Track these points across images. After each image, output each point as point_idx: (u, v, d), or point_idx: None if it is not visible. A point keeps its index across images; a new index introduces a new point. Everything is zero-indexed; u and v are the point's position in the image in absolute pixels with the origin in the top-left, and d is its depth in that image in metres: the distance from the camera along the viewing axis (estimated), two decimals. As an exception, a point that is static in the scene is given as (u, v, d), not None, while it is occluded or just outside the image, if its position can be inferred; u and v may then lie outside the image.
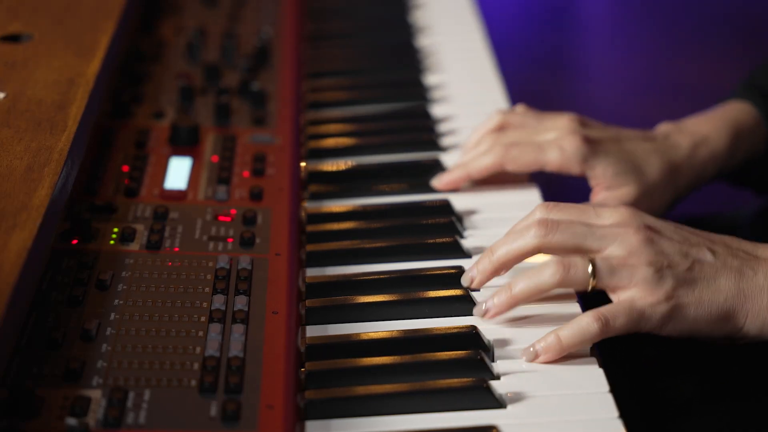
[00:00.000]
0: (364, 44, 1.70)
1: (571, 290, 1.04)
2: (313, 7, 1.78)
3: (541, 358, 0.97)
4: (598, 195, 1.26)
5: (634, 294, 0.97)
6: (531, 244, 1.02)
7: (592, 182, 1.26)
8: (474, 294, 1.07)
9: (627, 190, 1.24)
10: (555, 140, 1.25)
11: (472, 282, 1.06)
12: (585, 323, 0.96)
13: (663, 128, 1.32)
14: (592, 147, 1.24)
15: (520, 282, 1.01)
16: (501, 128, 1.30)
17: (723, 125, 1.32)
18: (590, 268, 0.98)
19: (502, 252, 1.04)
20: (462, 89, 1.54)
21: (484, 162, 1.26)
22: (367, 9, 1.83)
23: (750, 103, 1.35)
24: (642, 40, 2.43)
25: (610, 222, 1.02)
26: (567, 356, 0.98)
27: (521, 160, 1.25)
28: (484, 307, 1.03)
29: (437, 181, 1.27)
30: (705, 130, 1.31)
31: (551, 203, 1.04)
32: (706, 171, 1.30)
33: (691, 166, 1.28)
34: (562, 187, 1.31)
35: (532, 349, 0.98)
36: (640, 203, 1.24)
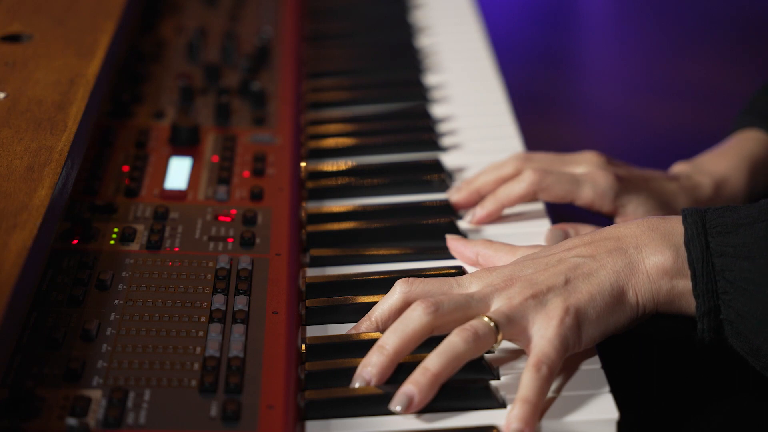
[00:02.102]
0: (364, 44, 1.70)
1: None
2: (313, 7, 1.78)
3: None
4: None
5: (539, 329, 0.96)
6: (424, 323, 0.96)
7: (620, 220, 1.23)
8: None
9: None
10: (587, 174, 1.22)
11: (370, 381, 0.96)
12: (530, 378, 0.93)
13: (681, 168, 1.31)
14: (623, 184, 1.22)
15: (434, 360, 0.94)
16: (529, 159, 1.26)
17: (740, 162, 1.31)
18: (491, 323, 0.95)
19: (396, 342, 0.96)
20: (462, 89, 1.54)
21: (516, 190, 1.21)
22: (367, 9, 1.83)
23: (760, 130, 1.34)
24: (642, 39, 2.43)
25: (475, 287, 1.01)
26: (567, 357, 0.98)
27: (554, 191, 1.21)
28: (405, 400, 0.93)
29: (471, 218, 1.22)
30: (723, 168, 1.30)
31: (409, 279, 1.02)
32: None
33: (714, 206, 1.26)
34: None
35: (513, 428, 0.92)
36: None
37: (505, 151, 1.32)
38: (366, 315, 1.03)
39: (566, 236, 1.18)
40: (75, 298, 1.01)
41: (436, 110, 1.47)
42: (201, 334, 0.99)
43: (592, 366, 0.99)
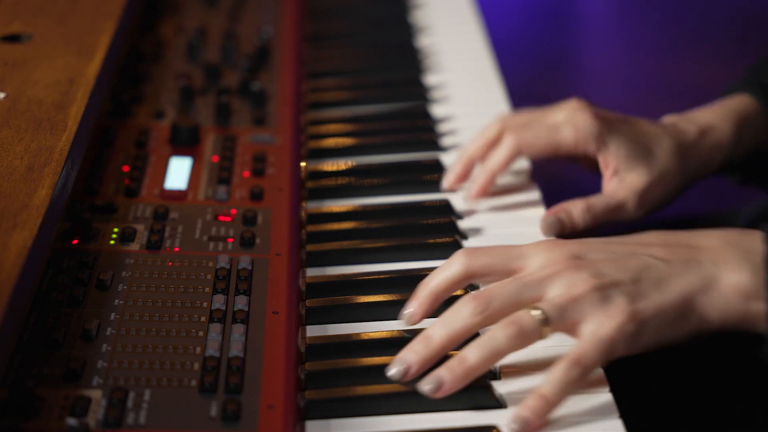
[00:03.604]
0: (364, 44, 1.70)
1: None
2: (313, 7, 1.78)
3: (531, 427, 0.91)
4: (608, 182, 1.22)
5: (593, 325, 0.92)
6: (472, 323, 0.95)
7: (603, 164, 1.23)
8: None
9: (637, 176, 1.21)
10: (566, 118, 1.23)
11: (408, 371, 0.95)
12: (561, 372, 0.91)
13: (668, 118, 1.32)
14: (605, 124, 1.22)
15: (473, 352, 0.93)
16: (508, 119, 1.28)
17: (727, 115, 1.31)
18: (540, 316, 0.93)
19: (442, 337, 0.95)
20: (462, 89, 1.54)
21: (501, 154, 1.24)
22: (367, 9, 1.83)
23: (751, 95, 1.35)
24: (642, 39, 2.43)
25: (537, 264, 0.97)
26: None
27: (536, 144, 1.22)
28: (436, 383, 0.93)
29: (469, 193, 1.25)
30: (710, 118, 1.30)
31: (470, 249, 0.99)
32: (713, 158, 1.28)
33: (698, 151, 1.26)
34: (561, 187, 1.31)
35: (521, 416, 0.91)
36: (651, 194, 1.22)
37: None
38: (423, 282, 1.00)
39: (560, 223, 1.18)
40: (75, 298, 1.01)
41: (436, 110, 1.47)
42: (201, 334, 0.98)
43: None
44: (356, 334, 1.03)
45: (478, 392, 0.94)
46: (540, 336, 0.93)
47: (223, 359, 0.95)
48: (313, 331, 1.04)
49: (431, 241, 1.17)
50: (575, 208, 1.19)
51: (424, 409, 0.94)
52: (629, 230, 1.29)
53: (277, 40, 1.57)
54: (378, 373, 0.97)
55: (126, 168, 1.23)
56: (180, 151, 1.27)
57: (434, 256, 1.15)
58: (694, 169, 1.26)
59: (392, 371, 0.95)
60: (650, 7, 2.61)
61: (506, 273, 0.99)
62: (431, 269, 1.11)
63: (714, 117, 1.30)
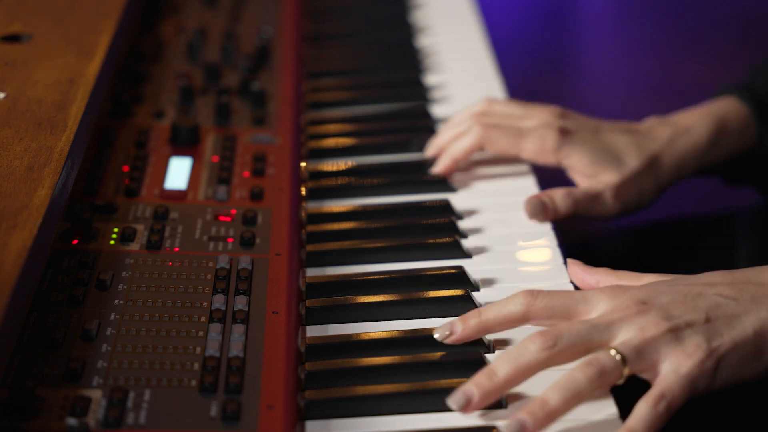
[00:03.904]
0: (364, 44, 1.70)
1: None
2: (313, 7, 1.78)
3: None
4: (582, 182, 1.28)
5: (672, 364, 0.92)
6: (540, 359, 0.92)
7: (571, 173, 1.28)
8: (474, 294, 1.07)
9: (608, 176, 1.26)
10: (533, 129, 1.28)
11: (469, 404, 0.93)
12: (645, 411, 0.90)
13: (648, 122, 1.34)
14: (566, 137, 1.27)
15: (554, 395, 0.90)
16: (485, 114, 1.33)
17: (706, 118, 1.33)
18: (618, 356, 0.91)
19: (508, 372, 0.92)
20: (462, 89, 1.54)
21: (464, 144, 1.30)
22: (367, 9, 1.83)
23: (739, 98, 1.35)
24: (642, 39, 2.43)
25: (602, 309, 0.96)
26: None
27: (499, 144, 1.29)
28: (517, 427, 0.89)
29: (431, 172, 1.31)
30: (688, 121, 1.33)
31: (534, 291, 0.97)
32: (687, 161, 1.31)
33: (671, 155, 1.30)
34: (560, 184, 1.31)
35: None
36: (626, 191, 1.26)
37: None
38: (476, 309, 0.99)
39: (543, 205, 1.21)
40: (75, 298, 1.01)
41: (436, 110, 1.47)
42: (201, 334, 0.98)
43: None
44: (356, 334, 1.02)
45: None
46: (620, 376, 0.91)
47: (223, 359, 0.95)
48: (313, 331, 1.04)
49: (431, 241, 1.17)
50: (557, 194, 1.23)
51: (424, 409, 0.94)
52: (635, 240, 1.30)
53: (277, 40, 1.57)
54: (378, 373, 0.97)
55: (126, 168, 1.23)
56: (180, 151, 1.27)
57: (434, 256, 1.15)
58: (669, 170, 1.30)
59: (453, 402, 0.93)
60: (650, 7, 2.60)
61: (568, 317, 0.97)
62: (431, 269, 1.11)
63: (693, 119, 1.33)
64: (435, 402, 0.94)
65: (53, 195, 1.01)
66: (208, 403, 0.91)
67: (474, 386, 0.93)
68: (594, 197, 1.25)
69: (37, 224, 0.96)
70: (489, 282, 1.11)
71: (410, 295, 1.08)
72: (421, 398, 0.94)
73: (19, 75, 1.20)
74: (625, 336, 0.93)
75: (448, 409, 0.93)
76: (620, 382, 0.92)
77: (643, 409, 0.90)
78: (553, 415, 0.90)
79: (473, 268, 1.12)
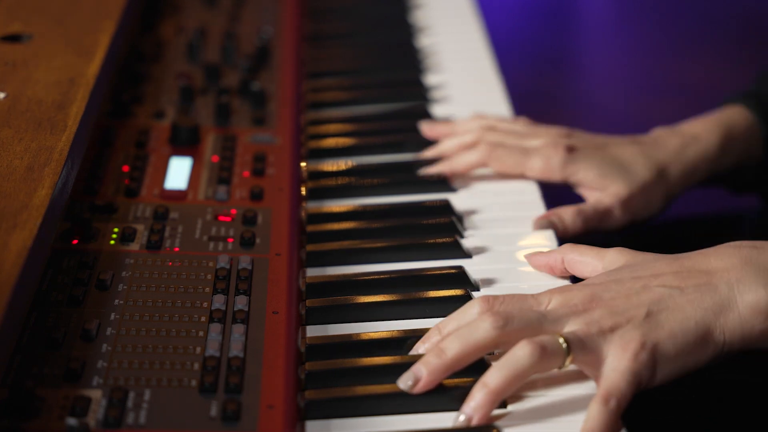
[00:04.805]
0: (364, 44, 1.70)
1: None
2: (313, 7, 1.78)
3: None
4: (591, 195, 1.28)
5: (612, 362, 0.92)
6: (490, 337, 0.93)
7: (579, 189, 1.29)
8: (474, 294, 1.07)
9: (617, 188, 1.26)
10: (538, 148, 1.28)
11: (417, 383, 0.93)
12: (597, 411, 0.90)
13: (655, 132, 1.34)
14: (572, 154, 1.27)
15: (494, 375, 0.91)
16: (491, 128, 1.33)
17: (713, 126, 1.33)
18: (564, 344, 0.92)
19: (457, 349, 0.93)
20: (462, 89, 1.54)
21: (468, 159, 1.29)
22: (367, 9, 1.83)
23: (746, 107, 1.36)
24: (642, 39, 2.43)
25: (553, 305, 0.97)
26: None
27: (504, 163, 1.28)
28: (464, 417, 0.91)
29: (424, 173, 1.30)
30: (695, 130, 1.33)
31: (490, 296, 0.98)
32: (697, 169, 1.32)
33: (679, 164, 1.30)
34: (561, 187, 1.31)
35: None
36: (635, 202, 1.26)
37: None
38: (435, 327, 0.99)
39: (552, 226, 1.21)
40: (75, 298, 1.01)
41: (436, 110, 1.47)
42: (201, 334, 0.98)
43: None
44: (356, 334, 1.02)
45: (478, 392, 0.94)
46: (561, 363, 0.92)
47: (223, 359, 0.95)
48: (313, 331, 1.04)
49: (431, 241, 1.17)
50: (566, 213, 1.23)
51: (424, 409, 0.94)
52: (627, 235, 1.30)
53: (277, 40, 1.57)
54: (378, 373, 0.97)
55: (126, 168, 1.23)
56: (180, 151, 1.27)
57: (434, 256, 1.15)
58: (678, 179, 1.30)
59: (402, 383, 0.94)
60: (650, 7, 2.60)
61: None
62: (431, 269, 1.11)
63: (701, 128, 1.33)
64: (435, 402, 0.94)
65: (53, 195, 1.01)
66: (208, 403, 0.91)
67: (423, 365, 0.93)
68: (604, 213, 1.26)
69: (37, 224, 0.96)
70: (489, 282, 1.11)
71: (410, 295, 1.08)
72: (421, 398, 0.94)
73: (19, 75, 1.20)
74: (572, 328, 0.94)
75: (448, 409, 0.93)
76: (562, 369, 0.93)
77: (594, 409, 0.90)
78: (495, 397, 0.91)
79: (473, 268, 1.12)
